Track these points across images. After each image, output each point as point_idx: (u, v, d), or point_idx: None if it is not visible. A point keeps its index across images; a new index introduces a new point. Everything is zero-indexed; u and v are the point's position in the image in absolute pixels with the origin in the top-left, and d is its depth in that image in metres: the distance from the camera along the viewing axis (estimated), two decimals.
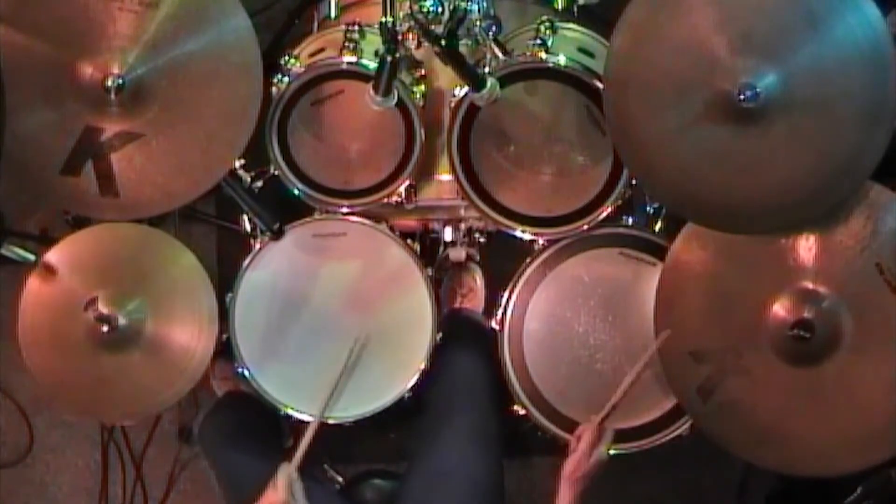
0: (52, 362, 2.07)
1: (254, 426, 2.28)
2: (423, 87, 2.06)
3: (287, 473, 1.84)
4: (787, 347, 1.85)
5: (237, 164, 2.09)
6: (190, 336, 2.06)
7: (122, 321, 2.02)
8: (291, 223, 2.13)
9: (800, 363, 1.86)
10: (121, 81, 1.82)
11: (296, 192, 2.10)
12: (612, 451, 1.88)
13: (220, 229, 2.60)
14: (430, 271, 2.15)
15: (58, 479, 2.75)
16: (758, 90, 1.65)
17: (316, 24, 2.27)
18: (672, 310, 1.96)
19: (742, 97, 1.65)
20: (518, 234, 2.12)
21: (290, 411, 2.15)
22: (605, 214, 2.06)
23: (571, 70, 1.93)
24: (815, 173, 1.72)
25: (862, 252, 1.80)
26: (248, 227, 2.18)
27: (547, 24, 2.02)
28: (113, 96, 1.83)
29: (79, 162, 1.90)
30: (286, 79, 1.99)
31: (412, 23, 1.88)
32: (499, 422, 2.13)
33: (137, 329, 2.04)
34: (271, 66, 2.00)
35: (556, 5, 2.18)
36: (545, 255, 2.12)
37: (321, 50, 2.07)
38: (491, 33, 1.93)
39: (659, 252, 2.04)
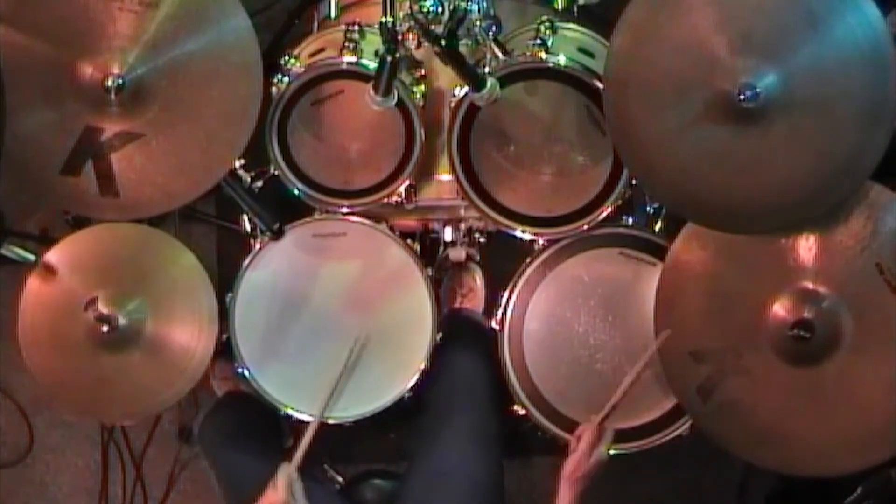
0: (52, 362, 2.07)
1: (254, 426, 2.28)
2: (423, 87, 2.06)
3: (287, 473, 1.84)
4: (787, 347, 1.85)
5: (237, 164, 2.09)
6: (190, 336, 2.06)
7: (122, 321, 2.02)
8: (291, 223, 2.13)
9: (800, 363, 1.86)
10: (121, 81, 1.82)
11: (296, 192, 2.10)
12: (612, 451, 1.88)
13: (220, 229, 2.60)
14: (430, 271, 2.15)
15: (58, 479, 2.75)
16: (758, 90, 1.65)
17: (316, 24, 2.27)
18: (672, 310, 1.96)
19: (742, 97, 1.65)
20: (518, 234, 2.12)
21: (290, 411, 2.15)
22: (605, 214, 2.06)
23: (571, 70, 1.93)
24: (815, 173, 1.72)
25: (862, 252, 1.80)
26: (248, 227, 2.18)
27: (547, 24, 2.02)
28: (113, 96, 1.83)
29: (79, 162, 1.90)
30: (286, 79, 1.99)
31: (412, 23, 1.88)
32: (499, 422, 2.13)
33: (137, 329, 2.04)
34: (271, 66, 2.00)
35: (556, 5, 2.18)
36: (545, 255, 2.12)
37: (321, 50, 2.07)
38: (491, 33, 1.93)
39: (659, 252, 2.04)
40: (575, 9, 2.19)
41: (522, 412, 2.14)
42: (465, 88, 1.93)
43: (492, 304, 2.28)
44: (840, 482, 2.02)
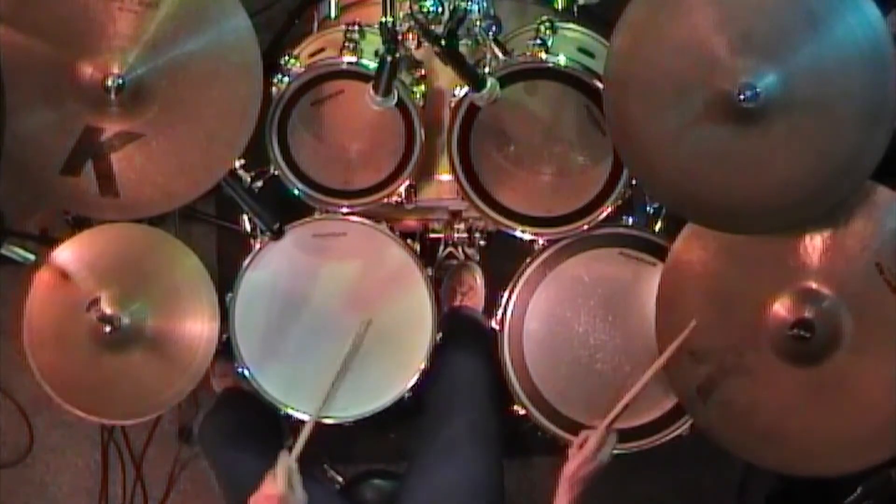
0: (55, 363, 2.07)
1: (254, 426, 2.28)
2: (423, 87, 2.06)
3: (286, 464, 1.84)
4: (787, 347, 1.85)
5: (237, 164, 2.09)
6: (192, 336, 2.06)
7: (124, 321, 2.02)
8: (291, 223, 2.13)
9: (800, 363, 1.86)
10: (121, 81, 1.82)
11: (296, 192, 2.10)
12: (613, 452, 1.88)
13: (220, 229, 2.60)
14: (430, 271, 2.15)
15: (58, 479, 2.75)
16: (758, 90, 1.65)
17: (316, 24, 2.27)
18: (672, 310, 1.96)
19: (742, 97, 1.65)
20: (518, 234, 2.12)
21: (289, 411, 2.15)
22: (605, 214, 2.06)
23: (571, 70, 1.93)
24: (815, 173, 1.72)
25: (862, 252, 1.80)
26: (248, 227, 2.18)
27: (547, 24, 2.02)
28: (113, 96, 1.83)
29: (79, 162, 1.90)
30: (286, 79, 1.99)
31: (412, 23, 1.88)
32: (499, 422, 2.13)
33: (139, 329, 2.05)
34: (271, 66, 2.00)
35: (556, 5, 2.18)
36: (545, 255, 2.12)
37: (321, 50, 2.07)
38: (491, 33, 1.93)
39: (659, 252, 2.04)
40: (575, 9, 2.19)
41: (522, 412, 2.14)
42: (465, 88, 1.93)
43: (492, 303, 2.28)
44: (840, 482, 2.02)
